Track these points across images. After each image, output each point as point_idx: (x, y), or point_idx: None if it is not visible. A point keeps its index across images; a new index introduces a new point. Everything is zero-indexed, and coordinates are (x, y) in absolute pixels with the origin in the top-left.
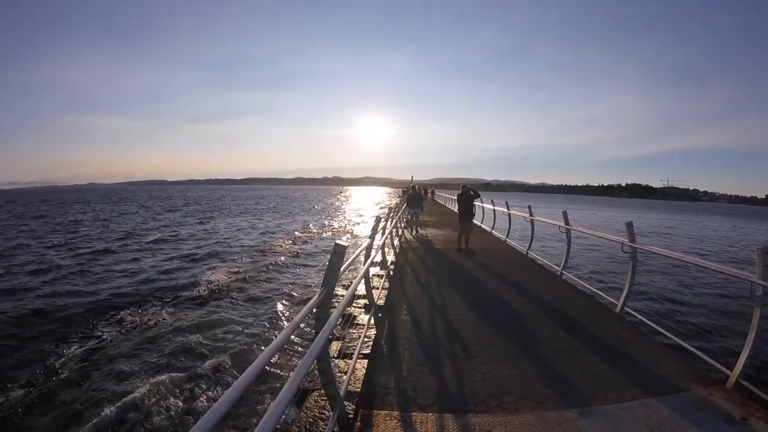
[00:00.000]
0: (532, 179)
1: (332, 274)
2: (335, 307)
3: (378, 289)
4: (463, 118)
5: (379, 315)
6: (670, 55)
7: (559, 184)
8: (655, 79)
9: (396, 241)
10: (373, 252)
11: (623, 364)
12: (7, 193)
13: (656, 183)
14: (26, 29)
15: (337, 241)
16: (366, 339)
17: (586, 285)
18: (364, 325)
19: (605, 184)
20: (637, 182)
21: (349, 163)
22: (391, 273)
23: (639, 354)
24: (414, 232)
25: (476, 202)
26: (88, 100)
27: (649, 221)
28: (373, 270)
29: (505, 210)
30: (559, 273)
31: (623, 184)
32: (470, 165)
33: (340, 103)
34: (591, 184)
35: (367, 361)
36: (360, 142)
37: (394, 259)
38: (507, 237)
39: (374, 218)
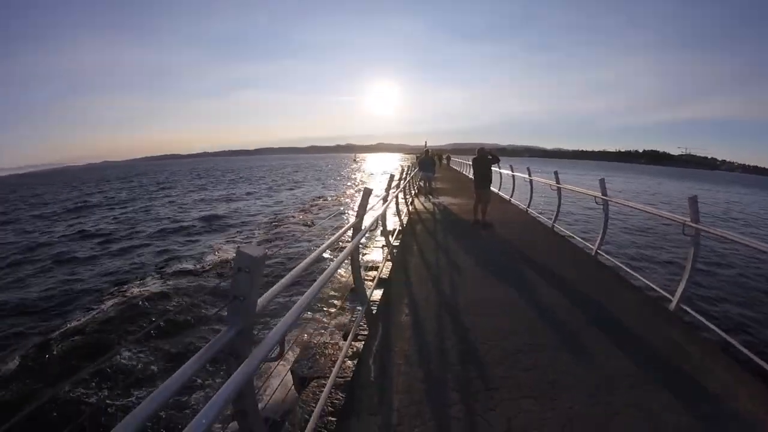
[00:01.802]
0: (548, 144)
1: (362, 209)
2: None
3: (374, 276)
4: (477, 83)
5: (373, 312)
6: (689, 17)
7: (575, 149)
8: (673, 43)
9: (404, 210)
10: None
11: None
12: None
13: (674, 150)
14: (31, 15)
15: (366, 187)
16: (349, 354)
17: (627, 269)
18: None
19: (622, 150)
20: (654, 149)
21: (362, 130)
22: (395, 252)
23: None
24: (426, 200)
25: (494, 167)
26: (97, 81)
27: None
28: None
29: (527, 176)
30: (593, 253)
31: (640, 150)
32: (485, 130)
33: (350, 70)
34: (608, 149)
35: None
36: (372, 109)
37: (399, 232)
38: (528, 207)
39: (388, 177)
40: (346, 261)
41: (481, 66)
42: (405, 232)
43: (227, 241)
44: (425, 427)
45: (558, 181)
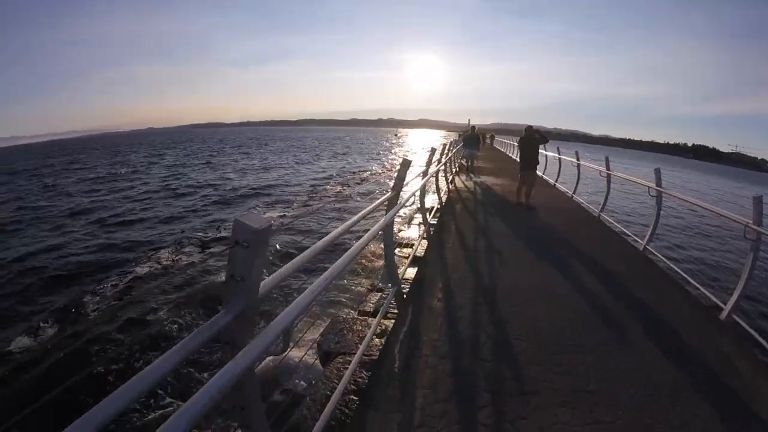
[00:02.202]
0: (595, 130)
1: (399, 181)
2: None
3: (408, 253)
4: (524, 62)
5: (404, 293)
6: (751, 4)
7: (622, 137)
8: (736, 29)
9: (443, 188)
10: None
11: None
12: (71, 141)
13: (724, 147)
14: None
15: (405, 157)
16: (377, 332)
17: (677, 269)
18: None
19: (671, 141)
20: (703, 143)
21: (405, 105)
22: (431, 230)
23: None
24: (467, 179)
25: (542, 149)
26: (142, 48)
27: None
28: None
29: (574, 160)
30: (642, 248)
31: (689, 144)
32: (530, 111)
33: (395, 44)
34: (656, 140)
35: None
36: (416, 84)
37: (437, 210)
38: (574, 193)
39: (429, 150)
40: (377, 237)
41: (529, 44)
42: (443, 210)
43: (267, 208)
44: (449, 430)
45: (608, 168)
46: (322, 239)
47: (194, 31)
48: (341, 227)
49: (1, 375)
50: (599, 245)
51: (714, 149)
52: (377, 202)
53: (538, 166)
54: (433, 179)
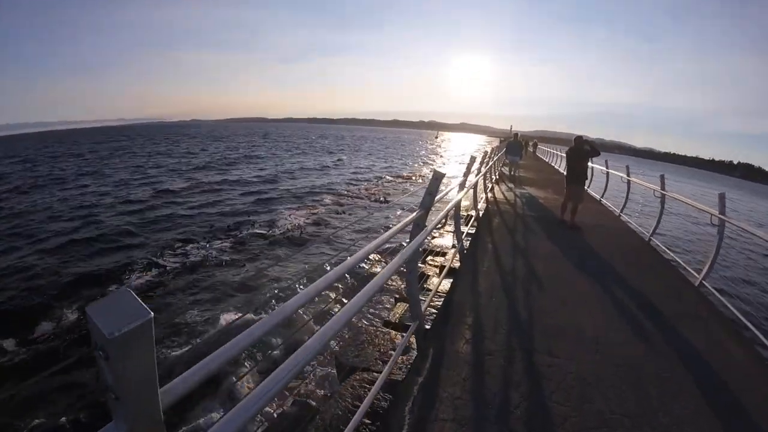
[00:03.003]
0: (639, 142)
1: (429, 198)
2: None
3: (438, 263)
4: (569, 69)
5: (426, 332)
6: None
7: (666, 151)
8: None
9: (482, 197)
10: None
11: None
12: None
13: None
14: None
15: (437, 169)
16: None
17: (736, 312)
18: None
19: (716, 158)
20: (750, 162)
21: (446, 108)
22: (465, 251)
23: None
24: (508, 189)
25: (591, 163)
26: (190, 36)
27: None
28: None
29: (624, 176)
30: (697, 282)
31: (735, 162)
32: (573, 119)
33: (438, 46)
34: (701, 156)
35: None
36: (458, 87)
37: (474, 221)
38: (621, 212)
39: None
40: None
41: (574, 51)
42: (480, 223)
43: (299, 208)
44: None
45: (663, 187)
46: (303, 291)
47: (239, 21)
48: (340, 267)
49: (25, 364)
50: (650, 277)
51: (760, 168)
52: (400, 224)
53: (586, 181)
54: (472, 190)
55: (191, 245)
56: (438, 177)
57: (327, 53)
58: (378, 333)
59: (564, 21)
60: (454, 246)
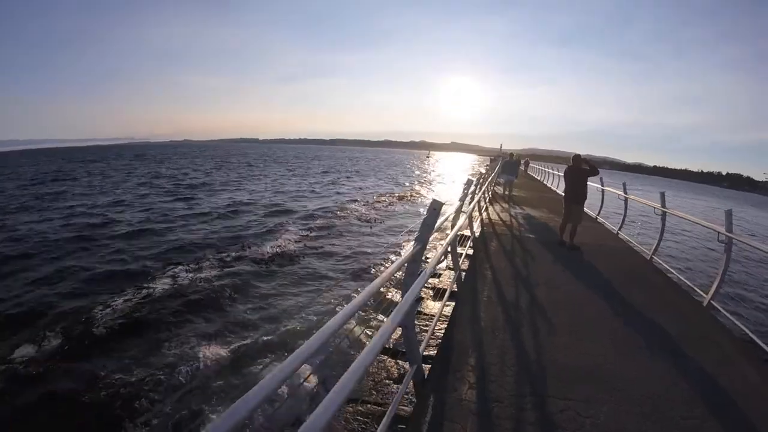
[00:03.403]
0: (627, 158)
1: (426, 230)
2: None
3: (431, 305)
4: (555, 88)
5: (424, 377)
6: None
7: (655, 165)
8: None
9: (476, 221)
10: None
11: None
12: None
13: (759, 176)
14: None
15: (435, 198)
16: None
17: (749, 333)
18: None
19: (705, 170)
20: (737, 172)
21: (437, 128)
22: (462, 278)
23: None
24: (503, 210)
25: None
26: (182, 59)
27: None
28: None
29: (621, 193)
30: (705, 302)
31: (723, 173)
32: (562, 137)
33: (428, 67)
34: (690, 168)
35: None
36: (448, 108)
37: (470, 251)
38: (620, 230)
39: (465, 182)
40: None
41: (561, 71)
42: (477, 246)
43: (296, 233)
44: None
45: (664, 204)
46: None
47: (231, 46)
48: (313, 339)
49: (1, 385)
50: (658, 300)
51: (748, 178)
52: (394, 265)
53: (585, 201)
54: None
55: (180, 267)
56: (436, 207)
57: (317, 74)
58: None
59: (551, 43)
60: (449, 267)
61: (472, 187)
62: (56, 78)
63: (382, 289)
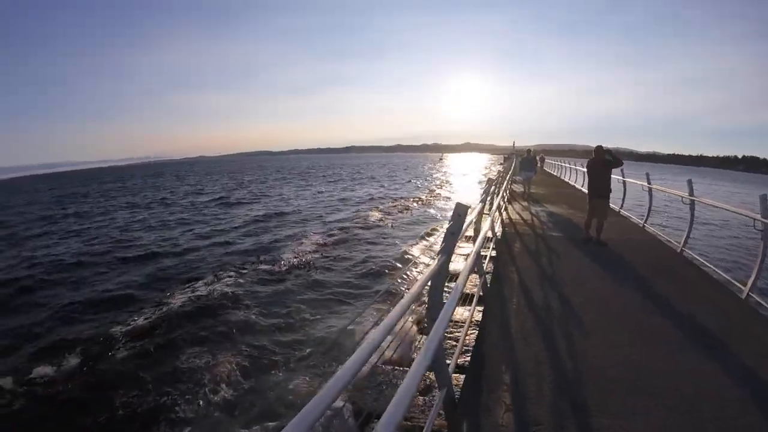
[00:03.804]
0: (641, 147)
1: (451, 239)
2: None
3: (457, 329)
4: (565, 82)
5: (455, 401)
6: None
7: (670, 153)
8: None
9: (497, 225)
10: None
11: None
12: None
13: None
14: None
15: (459, 202)
16: None
17: None
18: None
19: (720, 155)
20: (753, 154)
21: (449, 130)
22: (488, 283)
23: None
24: (522, 208)
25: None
26: (192, 78)
27: None
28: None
29: (645, 184)
30: (744, 295)
31: (739, 156)
32: (574, 131)
33: (436, 70)
34: (705, 154)
35: None
36: (458, 107)
37: (493, 253)
38: (645, 222)
39: (485, 183)
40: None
41: (569, 64)
42: (499, 248)
43: (313, 242)
44: None
45: (692, 193)
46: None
47: (238, 60)
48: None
49: (19, 404)
50: (692, 294)
51: (765, 160)
52: (417, 286)
53: (610, 194)
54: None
55: (200, 282)
56: (461, 213)
57: (326, 85)
58: (396, 372)
59: (560, 36)
60: (473, 271)
61: (493, 187)
62: (70, 102)
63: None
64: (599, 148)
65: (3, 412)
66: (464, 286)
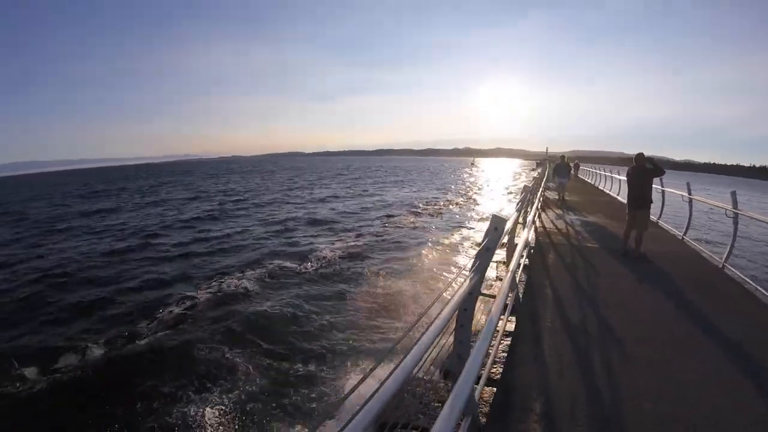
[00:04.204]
0: (676, 155)
1: (486, 255)
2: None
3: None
4: (599, 88)
5: (481, 422)
6: None
7: (705, 162)
8: None
9: (531, 233)
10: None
11: None
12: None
13: None
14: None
15: (496, 214)
16: None
17: None
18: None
19: (756, 165)
20: None
21: (480, 134)
22: (521, 297)
23: None
24: (556, 216)
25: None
26: (229, 81)
27: None
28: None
29: (685, 194)
30: None
31: None
32: (608, 138)
33: (469, 75)
34: (741, 164)
35: None
36: (490, 112)
37: (525, 261)
38: (685, 235)
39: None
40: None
41: (604, 70)
42: (532, 258)
43: (337, 240)
44: None
45: (736, 205)
46: None
47: (268, 65)
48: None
49: (44, 392)
50: (740, 314)
51: None
52: (445, 313)
53: (651, 204)
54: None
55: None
56: (498, 227)
57: (359, 91)
58: (418, 381)
59: (592, 42)
60: (498, 278)
61: (529, 195)
62: (114, 103)
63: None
64: (640, 155)
65: (27, 399)
66: (498, 319)
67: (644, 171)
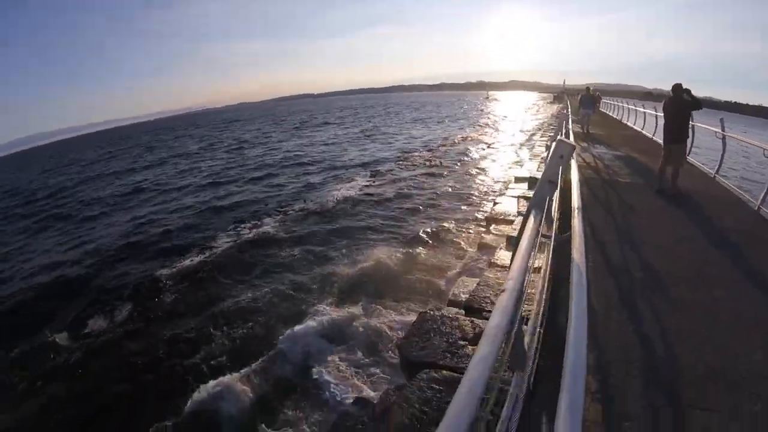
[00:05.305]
0: (697, 92)
1: (549, 188)
2: None
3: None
4: (619, 17)
5: (532, 395)
6: None
7: (727, 100)
8: None
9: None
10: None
11: None
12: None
13: None
14: None
15: (562, 138)
16: None
17: None
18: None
19: None
20: None
21: (493, 67)
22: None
23: None
24: (582, 150)
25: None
26: (230, 27)
27: None
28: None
29: (719, 131)
30: None
31: None
32: (627, 71)
33: (478, 5)
34: (764, 104)
35: None
36: (504, 44)
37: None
38: (716, 173)
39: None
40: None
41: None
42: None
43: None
44: None
45: None
46: None
47: (276, 4)
48: None
49: (74, 359)
50: None
51: None
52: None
53: (688, 139)
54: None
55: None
56: (564, 154)
57: (368, 25)
58: (443, 319)
59: None
60: (520, 213)
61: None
62: (108, 65)
63: None
64: (678, 86)
65: (61, 363)
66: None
67: (682, 103)
